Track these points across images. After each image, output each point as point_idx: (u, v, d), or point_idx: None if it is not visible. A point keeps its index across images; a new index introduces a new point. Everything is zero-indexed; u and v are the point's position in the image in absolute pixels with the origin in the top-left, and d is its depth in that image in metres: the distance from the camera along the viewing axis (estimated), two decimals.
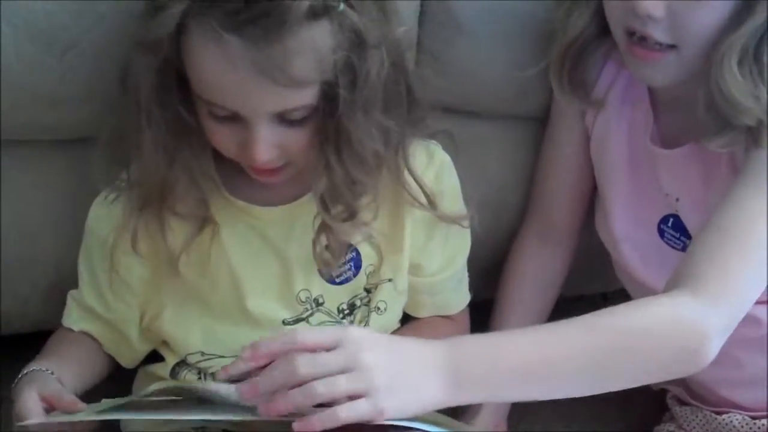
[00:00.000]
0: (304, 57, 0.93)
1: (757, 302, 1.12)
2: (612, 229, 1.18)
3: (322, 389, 0.85)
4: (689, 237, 1.14)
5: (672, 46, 1.03)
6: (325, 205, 1.03)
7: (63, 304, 1.14)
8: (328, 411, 0.85)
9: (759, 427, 1.16)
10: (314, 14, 0.93)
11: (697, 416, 1.22)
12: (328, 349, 0.87)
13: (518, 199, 1.28)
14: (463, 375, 0.89)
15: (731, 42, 1.00)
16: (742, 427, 1.17)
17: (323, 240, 1.06)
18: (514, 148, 1.27)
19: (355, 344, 0.87)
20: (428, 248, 1.13)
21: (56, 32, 1.07)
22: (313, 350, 0.87)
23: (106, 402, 1.01)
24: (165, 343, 1.13)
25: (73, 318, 1.12)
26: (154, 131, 0.99)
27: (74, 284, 1.13)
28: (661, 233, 1.16)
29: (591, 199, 1.24)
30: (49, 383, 1.01)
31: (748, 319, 1.12)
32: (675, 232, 1.15)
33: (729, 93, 1.00)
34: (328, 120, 0.98)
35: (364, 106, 0.98)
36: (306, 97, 0.97)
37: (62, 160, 1.18)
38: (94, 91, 1.10)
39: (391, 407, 0.86)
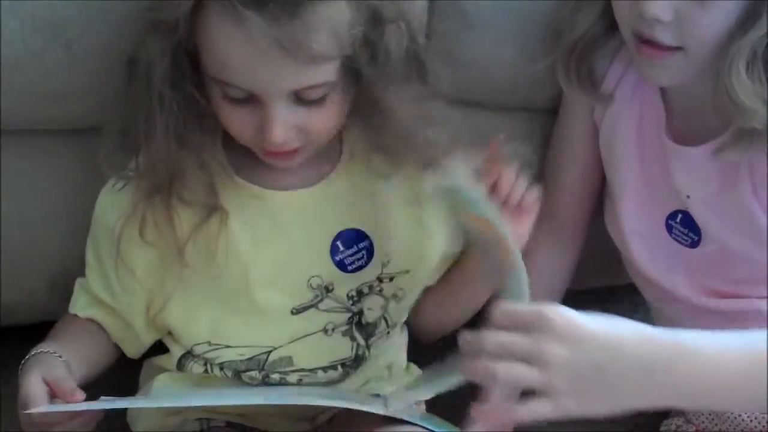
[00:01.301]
0: (322, 32, 0.94)
1: (763, 297, 1.12)
2: (620, 223, 1.18)
3: (502, 373, 0.81)
4: (697, 233, 1.13)
5: (679, 48, 1.02)
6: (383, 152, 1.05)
7: (69, 294, 1.13)
8: (507, 405, 0.82)
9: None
10: None
11: (706, 411, 1.21)
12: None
13: None
14: (681, 386, 0.82)
15: (739, 46, 1.00)
16: (751, 420, 1.17)
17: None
18: (523, 141, 1.26)
19: (548, 332, 0.81)
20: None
21: (61, 24, 1.07)
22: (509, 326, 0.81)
23: (104, 400, 1.01)
24: (170, 334, 1.13)
25: (80, 305, 1.12)
26: (166, 114, 0.99)
27: (80, 274, 1.13)
28: (669, 228, 1.16)
29: (600, 193, 1.24)
30: (55, 367, 1.01)
31: (753, 313, 1.13)
32: (683, 228, 1.15)
33: (737, 96, 1.00)
34: (350, 95, 1.00)
35: (387, 79, 1.00)
36: (324, 74, 0.97)
37: (69, 150, 1.19)
38: (100, 83, 1.10)
39: (576, 411, 0.81)
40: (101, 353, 1.12)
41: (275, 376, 1.11)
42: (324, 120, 1.01)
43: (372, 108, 1.02)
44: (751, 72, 1.00)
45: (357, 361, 1.13)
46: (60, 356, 1.03)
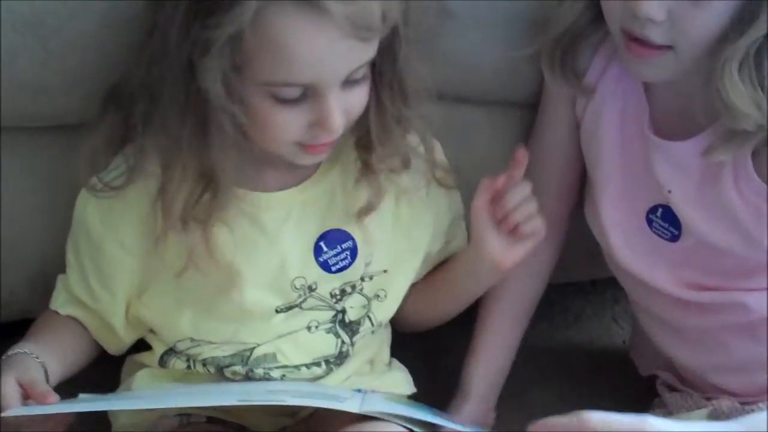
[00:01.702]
0: (384, 7, 0.96)
1: (745, 289, 1.13)
2: (600, 217, 1.18)
3: None
4: (678, 227, 1.13)
5: (669, 47, 1.02)
6: (371, 144, 1.05)
7: (49, 292, 1.13)
8: None
9: (748, 412, 1.15)
10: None
11: (686, 402, 1.21)
12: None
13: None
14: None
15: (733, 48, 0.99)
16: (732, 411, 1.17)
17: (362, 191, 1.07)
18: (504, 135, 1.26)
19: None
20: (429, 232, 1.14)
21: (39, 19, 1.06)
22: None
23: (83, 397, 1.01)
24: (152, 331, 1.12)
25: (60, 302, 1.11)
26: (191, 125, 0.97)
27: (60, 271, 1.12)
28: (650, 223, 1.16)
29: (580, 186, 1.23)
30: (30, 369, 1.00)
31: (736, 306, 1.13)
32: (663, 222, 1.15)
33: (728, 99, 1.00)
34: (383, 68, 1.01)
35: (410, 45, 1.02)
36: (372, 50, 0.99)
37: (50, 147, 1.18)
38: (79, 79, 1.09)
39: None
40: (81, 350, 1.11)
41: (259, 371, 1.10)
42: (362, 100, 1.01)
43: (390, 74, 1.02)
44: (742, 75, 1.00)
45: (341, 358, 1.13)
46: (37, 357, 1.02)
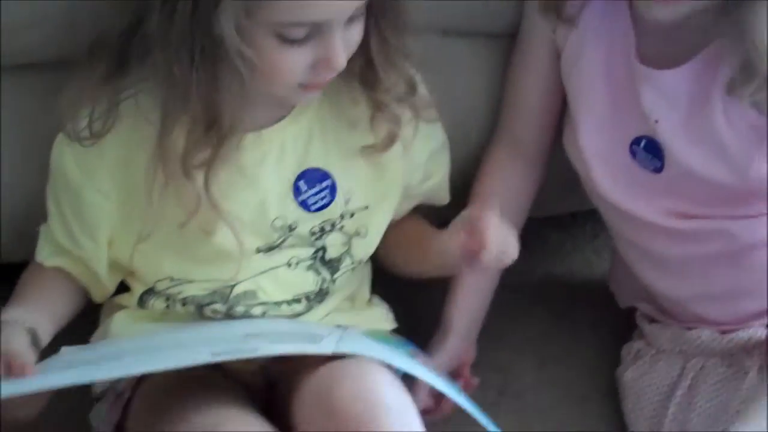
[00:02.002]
0: None
1: (730, 217, 1.13)
2: (582, 147, 1.17)
3: None
4: (661, 159, 1.13)
5: None
6: (377, 78, 1.05)
7: (31, 237, 1.11)
8: None
9: (728, 342, 1.17)
10: None
11: (665, 332, 1.22)
12: None
13: (487, 120, 1.26)
14: None
15: None
16: (711, 341, 1.18)
17: (381, 125, 1.07)
18: (483, 68, 1.25)
19: None
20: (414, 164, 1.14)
21: None
22: None
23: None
24: (131, 272, 1.12)
25: (45, 253, 1.10)
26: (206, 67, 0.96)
27: (41, 216, 1.10)
28: (633, 154, 1.15)
29: (560, 117, 1.22)
30: (13, 338, 0.98)
31: (720, 234, 1.13)
32: (647, 153, 1.14)
33: (763, 45, 1.00)
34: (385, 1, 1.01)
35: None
36: None
37: (24, 87, 1.15)
38: (45, 15, 1.08)
39: None
40: (70, 301, 1.11)
41: (240, 309, 1.10)
42: (359, 35, 1.02)
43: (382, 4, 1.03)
44: None
45: (321, 295, 1.13)
46: (25, 323, 1.01)
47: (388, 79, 1.06)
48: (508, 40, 1.23)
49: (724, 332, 1.17)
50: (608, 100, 1.14)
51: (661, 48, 1.10)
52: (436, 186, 1.19)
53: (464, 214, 1.06)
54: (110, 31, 1.01)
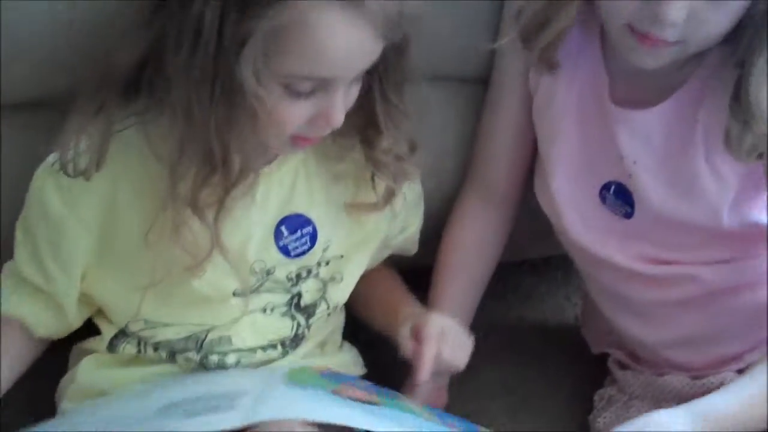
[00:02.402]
0: (409, 6, 0.98)
1: (699, 262, 1.13)
2: (553, 192, 1.17)
3: None
4: (631, 205, 1.14)
5: (678, 41, 1.02)
6: (378, 137, 1.07)
7: None
8: None
9: (699, 387, 1.17)
10: None
11: (638, 379, 1.22)
12: None
13: (458, 165, 1.26)
14: None
15: (757, 58, 1.01)
16: (683, 387, 1.18)
17: (380, 183, 1.09)
18: (455, 113, 1.26)
19: None
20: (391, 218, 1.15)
21: None
22: None
23: None
24: (102, 313, 1.10)
25: (2, 296, 1.08)
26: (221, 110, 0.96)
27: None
28: (603, 199, 1.16)
29: (532, 162, 1.23)
30: None
31: (689, 279, 1.14)
32: (616, 199, 1.15)
33: (759, 109, 1.01)
34: (391, 66, 1.03)
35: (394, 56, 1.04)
36: (382, 49, 1.00)
37: (22, 125, 1.14)
38: (20, 54, 1.07)
39: None
40: (28, 352, 1.10)
41: (214, 358, 1.09)
42: (354, 98, 1.02)
43: (394, 68, 1.04)
44: None
45: (296, 340, 1.13)
46: None
47: (389, 138, 1.07)
48: (478, 86, 1.23)
49: (695, 378, 1.18)
50: (580, 144, 1.15)
51: (634, 89, 1.11)
52: (411, 237, 1.21)
53: (412, 325, 1.08)
54: (119, 62, 1.01)
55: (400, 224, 1.18)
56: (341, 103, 0.99)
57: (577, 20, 1.10)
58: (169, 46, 0.96)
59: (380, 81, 1.05)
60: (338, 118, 1.00)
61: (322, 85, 0.98)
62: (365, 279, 1.17)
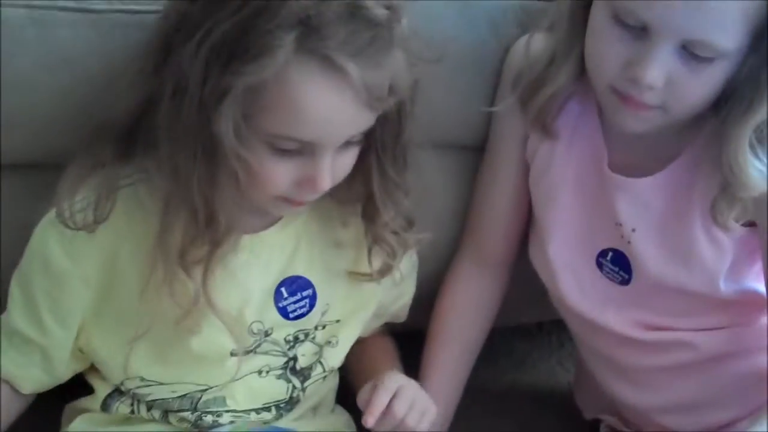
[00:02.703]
0: (396, 79, 0.98)
1: (694, 329, 1.14)
2: (549, 257, 1.18)
3: None
4: (628, 272, 1.14)
5: (659, 106, 1.04)
6: (376, 212, 1.06)
7: None
8: None
9: None
10: (404, 39, 0.97)
11: None
12: None
13: (453, 230, 1.27)
14: None
15: (747, 120, 1.02)
16: None
17: (377, 256, 1.09)
18: (450, 179, 1.26)
19: None
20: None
21: None
22: None
23: None
24: (95, 371, 1.10)
25: None
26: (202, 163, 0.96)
27: None
28: (600, 266, 1.16)
29: (527, 228, 1.24)
30: None
31: (685, 345, 1.14)
32: (613, 266, 1.16)
33: (742, 174, 1.02)
34: (386, 139, 1.03)
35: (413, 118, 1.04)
36: (373, 119, 1.00)
37: (21, 185, 1.14)
38: (21, 118, 1.08)
39: None
40: (14, 409, 1.09)
41: (208, 418, 1.09)
42: (347, 165, 1.02)
43: (393, 142, 1.04)
44: (754, 150, 1.02)
45: (291, 403, 1.13)
46: None
47: (387, 213, 1.07)
48: (473, 152, 1.24)
49: None
50: (577, 211, 1.16)
51: (632, 157, 1.12)
52: (404, 306, 1.21)
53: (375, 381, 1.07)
54: (115, 115, 1.01)
55: (395, 293, 1.18)
56: (327, 168, 0.98)
57: (576, 92, 1.11)
58: (162, 99, 0.97)
59: (378, 155, 1.05)
60: (323, 184, 0.99)
61: (308, 148, 0.98)
62: (358, 345, 1.17)
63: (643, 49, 1.00)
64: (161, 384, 1.07)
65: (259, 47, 0.93)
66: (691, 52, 0.99)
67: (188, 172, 0.97)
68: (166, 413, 1.09)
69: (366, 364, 1.19)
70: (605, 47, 1.03)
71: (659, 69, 1.00)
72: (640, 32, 1.00)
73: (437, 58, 1.03)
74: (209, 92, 0.94)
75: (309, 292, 1.10)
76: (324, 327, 1.12)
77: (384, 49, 0.96)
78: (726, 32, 0.98)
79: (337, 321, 1.13)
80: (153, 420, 1.09)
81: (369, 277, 1.11)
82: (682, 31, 0.98)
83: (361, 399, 1.06)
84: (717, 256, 1.10)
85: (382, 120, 1.01)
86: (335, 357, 1.14)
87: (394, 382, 1.05)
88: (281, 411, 1.12)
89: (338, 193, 1.06)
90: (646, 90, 1.01)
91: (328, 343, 1.13)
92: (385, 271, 1.11)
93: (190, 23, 0.95)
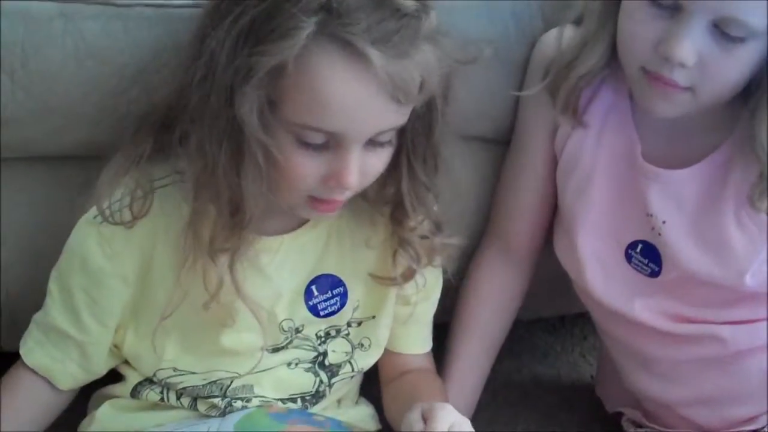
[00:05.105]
0: (426, 74, 0.97)
1: (723, 322, 1.13)
2: (577, 249, 1.17)
3: None
4: (658, 264, 1.14)
5: (688, 88, 1.04)
6: (405, 215, 1.06)
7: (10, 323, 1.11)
8: None
9: None
10: (434, 33, 0.97)
11: None
12: None
13: (478, 222, 1.27)
14: None
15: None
16: None
17: (402, 260, 1.08)
18: (474, 171, 1.26)
19: None
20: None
21: (5, 50, 1.06)
22: None
23: None
24: (126, 361, 1.11)
25: (28, 346, 1.08)
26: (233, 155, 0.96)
27: (24, 302, 1.10)
28: (629, 258, 1.16)
29: (551, 220, 1.24)
30: None
31: (711, 338, 1.14)
32: (643, 258, 1.15)
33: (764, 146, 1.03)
34: (417, 140, 1.01)
35: (445, 119, 1.02)
36: (404, 117, 0.99)
37: (25, 178, 1.15)
38: (49, 110, 1.09)
39: None
40: (47, 413, 1.10)
41: (238, 404, 1.09)
42: (380, 165, 1.01)
43: (424, 144, 1.03)
44: None
45: (317, 397, 1.13)
46: None
47: (415, 218, 1.07)
48: (498, 145, 1.25)
49: None
50: (608, 201, 1.16)
51: (667, 148, 1.12)
52: (425, 311, 1.18)
53: (422, 409, 1.03)
54: (157, 109, 1.02)
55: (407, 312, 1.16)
56: (354, 163, 0.97)
57: (607, 81, 1.11)
58: (194, 86, 0.98)
59: (408, 157, 1.04)
60: (350, 180, 0.98)
61: (335, 141, 0.97)
62: (406, 377, 1.16)
63: (676, 27, 1.01)
64: (193, 374, 1.08)
65: (282, 29, 0.93)
66: (722, 32, 1.00)
67: (215, 158, 0.97)
68: (195, 400, 1.10)
69: (404, 398, 1.14)
70: (638, 27, 1.04)
71: (691, 46, 1.00)
72: (673, 11, 1.01)
73: (471, 60, 1.03)
74: (234, 73, 0.94)
75: (340, 290, 1.10)
76: (359, 324, 1.12)
77: (410, 40, 0.95)
78: (758, 10, 0.99)
79: (373, 317, 1.12)
80: (181, 407, 1.10)
81: (391, 281, 1.11)
82: (715, 8, 0.99)
83: (410, 427, 1.02)
84: (749, 250, 1.10)
85: (413, 118, 1.00)
86: (366, 359, 1.15)
87: (447, 420, 1.01)
88: (306, 403, 1.13)
89: (369, 194, 1.06)
90: (677, 67, 1.02)
91: (361, 345, 1.13)
92: (409, 276, 1.10)
93: (221, 10, 0.96)
